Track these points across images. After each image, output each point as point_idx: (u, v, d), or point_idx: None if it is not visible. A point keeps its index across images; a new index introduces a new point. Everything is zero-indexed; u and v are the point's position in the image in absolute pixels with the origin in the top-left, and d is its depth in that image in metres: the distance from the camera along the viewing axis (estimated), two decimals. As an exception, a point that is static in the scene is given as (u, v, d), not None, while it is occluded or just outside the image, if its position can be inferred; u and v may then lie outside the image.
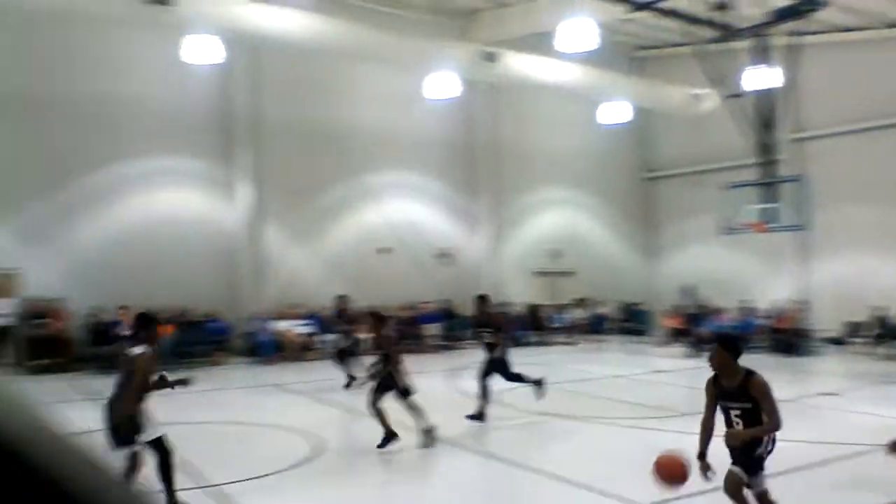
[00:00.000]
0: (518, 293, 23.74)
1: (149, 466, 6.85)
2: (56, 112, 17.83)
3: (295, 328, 18.95)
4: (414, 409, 9.38)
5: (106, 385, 14.59)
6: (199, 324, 18.36)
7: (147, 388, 6.95)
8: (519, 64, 20.28)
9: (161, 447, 6.91)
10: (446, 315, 21.41)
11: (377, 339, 9.67)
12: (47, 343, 16.72)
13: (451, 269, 23.32)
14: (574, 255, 25.78)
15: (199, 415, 11.69)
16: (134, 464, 6.73)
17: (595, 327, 23.80)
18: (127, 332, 10.33)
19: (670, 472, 5.25)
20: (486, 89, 23.32)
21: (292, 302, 19.65)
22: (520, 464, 8.50)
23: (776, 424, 5.23)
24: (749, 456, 5.30)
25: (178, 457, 8.78)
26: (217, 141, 19.99)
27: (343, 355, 14.41)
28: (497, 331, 11.21)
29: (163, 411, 11.80)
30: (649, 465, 5.38)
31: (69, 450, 0.63)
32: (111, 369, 16.31)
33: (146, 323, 7.36)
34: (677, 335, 20.70)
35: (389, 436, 9.09)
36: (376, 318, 9.88)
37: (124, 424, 6.74)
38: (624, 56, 25.60)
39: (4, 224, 17.29)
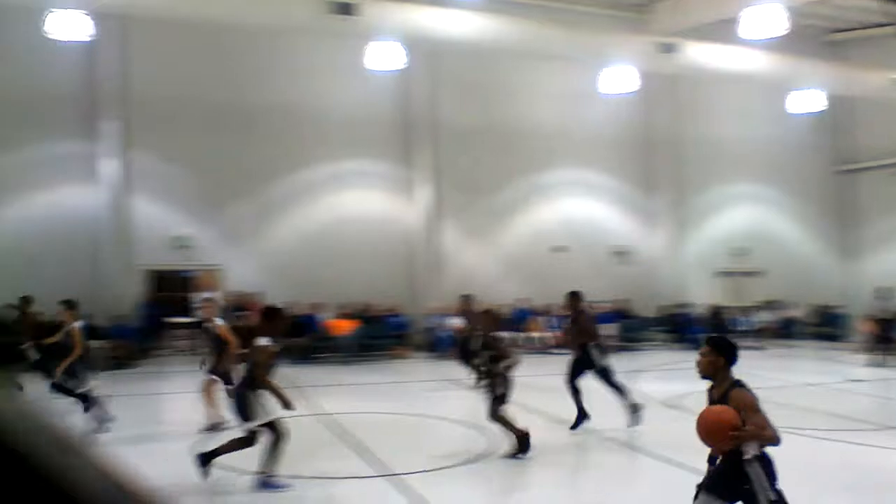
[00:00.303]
0: (700, 294, 22.83)
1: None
2: (253, 121, 19.29)
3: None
4: (504, 424, 8.71)
5: (296, 373, 15.55)
6: (381, 319, 19.16)
7: (265, 377, 7.42)
8: (700, 54, 19.47)
9: (275, 430, 7.36)
10: (623, 315, 20.97)
11: (488, 338, 9.00)
12: (247, 334, 18.07)
13: (628, 268, 22.83)
14: (762, 254, 24.41)
15: (381, 406, 12.20)
16: (248, 440, 7.36)
17: (785, 331, 22.41)
18: (207, 325, 10.61)
19: (718, 421, 4.42)
20: (664, 82, 22.59)
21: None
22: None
23: (774, 435, 4.33)
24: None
25: (361, 444, 9.25)
26: (398, 143, 20.79)
27: (467, 356, 14.12)
28: (580, 332, 10.34)
29: (346, 401, 12.46)
30: (847, 481, 4.97)
31: (69, 448, 0.64)
32: (302, 360, 17.49)
33: (271, 316, 7.85)
34: (877, 342, 19.01)
35: (523, 439, 8.63)
36: (490, 317, 9.44)
37: (246, 406, 7.34)
38: (815, 40, 23.90)
39: (211, 224, 18.97)
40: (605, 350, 10.45)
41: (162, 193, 18.66)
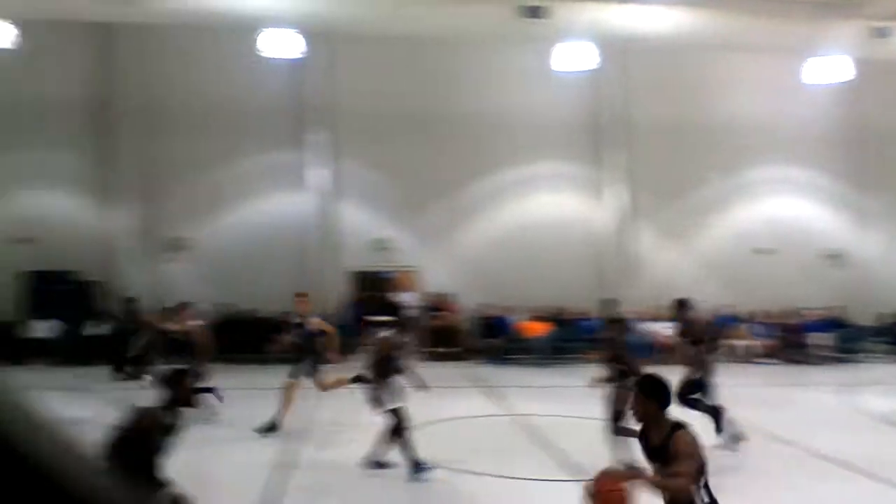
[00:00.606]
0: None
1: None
2: (448, 127, 19.86)
3: (666, 330, 18.63)
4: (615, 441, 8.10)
5: (489, 374, 15.79)
6: (574, 322, 19.01)
7: (387, 366, 8.00)
8: (923, 37, 17.60)
9: (397, 416, 7.90)
10: (837, 323, 19.39)
11: (617, 350, 8.34)
12: (442, 333, 18.70)
13: (841, 272, 21.10)
14: None
15: (573, 409, 12.10)
16: (396, 430, 7.97)
17: None
18: (299, 321, 10.52)
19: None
20: (880, 69, 20.57)
21: (664, 303, 19.37)
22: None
23: (680, 483, 4.00)
24: None
25: (554, 447, 9.23)
26: (587, 144, 20.56)
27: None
28: (695, 343, 9.33)
29: (538, 402, 12.46)
30: None
31: (62, 444, 0.64)
32: (497, 360, 17.78)
33: (393, 311, 8.77)
34: None
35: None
36: (619, 327, 8.73)
37: (378, 395, 8.05)
38: None
39: (409, 227, 19.80)
40: (707, 371, 9.39)
41: (365, 199, 19.72)
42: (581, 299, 19.48)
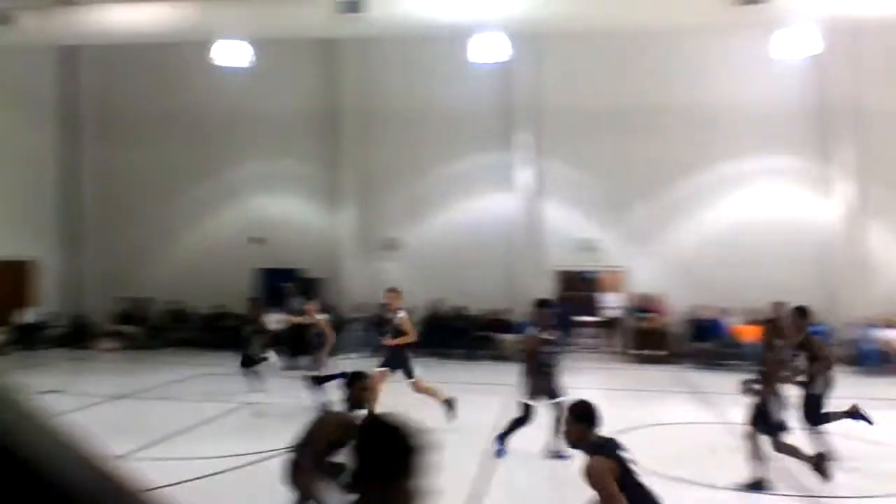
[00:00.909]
0: None
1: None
2: (653, 123, 19.22)
3: (905, 338, 16.90)
4: (791, 453, 7.64)
5: (700, 379, 15.21)
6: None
7: (533, 361, 8.74)
8: None
9: (525, 411, 8.69)
10: None
11: (766, 354, 7.85)
12: (649, 335, 18.22)
13: None
14: None
15: (795, 420, 11.34)
16: (524, 417, 8.73)
17: None
18: (390, 317, 10.58)
19: None
20: None
21: (901, 309, 17.59)
22: None
23: None
24: None
25: (773, 458, 8.72)
26: (811, 136, 19.02)
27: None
28: (813, 359, 8.53)
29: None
30: None
31: (62, 445, 0.64)
32: (707, 364, 17.06)
33: (540, 306, 9.20)
34: None
35: (757, 483, 7.58)
36: (770, 328, 8.05)
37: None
38: None
39: (614, 226, 19.48)
40: (824, 386, 8.60)
41: (569, 198, 19.66)
42: (803, 302, 18.12)
